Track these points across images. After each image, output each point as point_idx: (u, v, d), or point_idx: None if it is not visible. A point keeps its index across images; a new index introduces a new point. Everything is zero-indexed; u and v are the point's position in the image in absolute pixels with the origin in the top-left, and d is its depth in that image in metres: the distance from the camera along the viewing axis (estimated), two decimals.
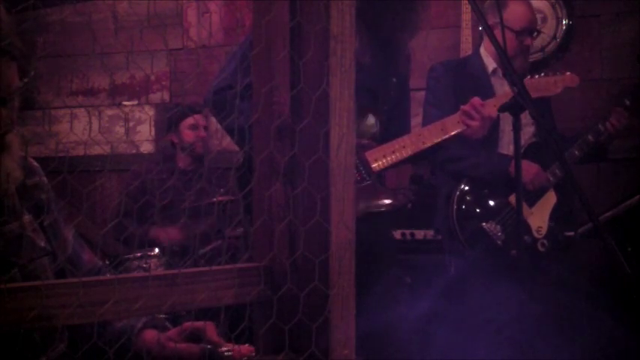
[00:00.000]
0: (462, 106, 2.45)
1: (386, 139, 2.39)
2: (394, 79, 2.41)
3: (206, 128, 3.98)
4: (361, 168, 2.30)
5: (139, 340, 1.43)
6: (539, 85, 2.66)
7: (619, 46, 3.78)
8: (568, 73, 2.79)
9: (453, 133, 2.41)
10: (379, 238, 2.38)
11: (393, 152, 2.32)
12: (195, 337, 1.39)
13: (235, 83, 2.13)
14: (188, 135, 3.93)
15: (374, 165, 2.31)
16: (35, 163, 1.49)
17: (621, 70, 3.76)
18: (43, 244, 1.43)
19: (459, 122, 2.42)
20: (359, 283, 1.04)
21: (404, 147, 2.34)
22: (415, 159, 2.43)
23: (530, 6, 3.07)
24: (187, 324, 1.41)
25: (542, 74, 2.75)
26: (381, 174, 2.41)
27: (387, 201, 2.31)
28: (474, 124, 2.37)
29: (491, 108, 2.40)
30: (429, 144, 2.36)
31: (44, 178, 1.48)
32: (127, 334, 1.43)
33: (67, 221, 1.54)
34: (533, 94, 2.56)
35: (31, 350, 1.36)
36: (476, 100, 2.44)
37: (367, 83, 2.30)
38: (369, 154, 2.30)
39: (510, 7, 2.98)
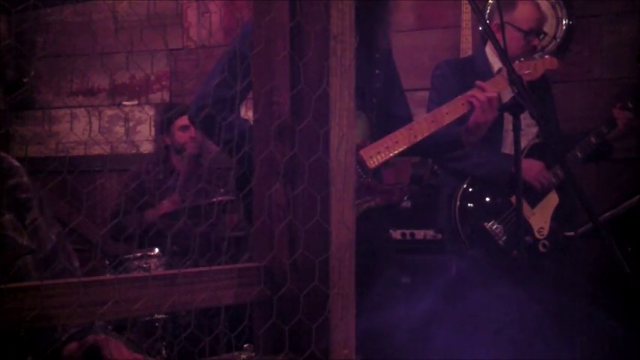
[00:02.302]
0: (469, 92, 2.47)
1: (383, 130, 2.42)
2: (377, 71, 2.43)
3: None
4: (357, 166, 2.31)
5: (63, 352, 1.43)
6: (520, 69, 2.66)
7: (619, 46, 3.78)
8: (547, 56, 2.80)
9: (443, 124, 2.42)
10: (376, 236, 2.38)
11: (387, 148, 2.34)
12: (95, 352, 1.37)
13: (221, 95, 2.14)
14: (180, 136, 3.94)
15: (369, 162, 2.32)
16: (16, 163, 1.49)
17: (621, 70, 3.76)
18: (25, 242, 1.43)
19: (448, 113, 2.43)
20: (356, 282, 1.04)
21: (397, 142, 2.36)
22: (412, 153, 2.46)
23: (538, 7, 3.08)
24: (90, 337, 1.40)
25: (522, 59, 2.76)
26: (378, 171, 2.41)
27: (383, 197, 2.32)
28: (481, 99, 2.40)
29: (490, 89, 2.44)
30: (420, 137, 2.37)
31: (25, 179, 1.48)
32: (54, 345, 1.42)
33: (53, 221, 1.54)
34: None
35: (19, 349, 1.36)
36: (479, 83, 2.49)
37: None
38: (364, 152, 2.32)
39: (519, 8, 2.98)
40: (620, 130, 2.97)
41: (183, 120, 3.93)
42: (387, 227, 2.56)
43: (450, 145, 2.58)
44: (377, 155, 2.33)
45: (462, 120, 2.49)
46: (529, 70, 2.70)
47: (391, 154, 2.36)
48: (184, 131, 3.93)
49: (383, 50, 2.46)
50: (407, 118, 2.56)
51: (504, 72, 2.55)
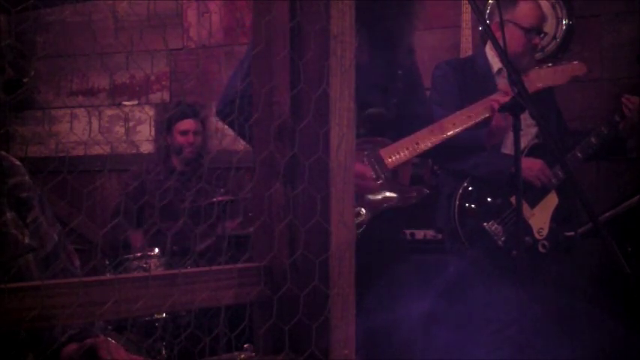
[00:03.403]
0: (492, 97, 2.48)
1: (404, 129, 2.44)
2: (399, 72, 2.43)
3: (197, 133, 3.97)
4: (376, 166, 2.32)
5: (62, 353, 1.44)
6: (545, 75, 2.64)
7: (619, 46, 3.78)
8: (575, 62, 2.76)
9: (465, 127, 2.43)
10: (390, 236, 2.38)
11: (407, 148, 2.36)
12: (93, 354, 1.38)
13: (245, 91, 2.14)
14: (179, 139, 3.95)
15: (388, 161, 2.33)
16: (17, 162, 1.50)
17: (621, 70, 3.76)
18: (27, 240, 1.44)
19: (470, 117, 2.45)
20: (365, 279, 1.04)
21: (417, 143, 2.37)
22: (429, 154, 2.49)
23: (539, 6, 3.08)
24: (89, 340, 1.41)
25: (550, 64, 2.73)
26: (397, 171, 2.42)
27: (401, 198, 2.33)
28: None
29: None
30: (440, 139, 2.39)
31: (26, 178, 1.49)
32: (53, 346, 1.43)
33: (54, 220, 1.54)
34: (540, 85, 2.56)
35: (18, 346, 1.37)
36: (502, 87, 2.50)
37: (374, 79, 2.32)
38: (383, 152, 2.34)
39: (520, 6, 2.98)
40: (630, 117, 2.96)
41: (184, 124, 3.94)
42: (401, 227, 2.56)
43: (472, 147, 2.62)
44: (396, 155, 2.34)
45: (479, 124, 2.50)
46: (555, 75, 2.67)
47: (411, 155, 2.38)
48: (183, 135, 3.94)
49: (406, 50, 2.45)
50: (427, 117, 2.55)
51: (528, 74, 2.56)
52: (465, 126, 2.45)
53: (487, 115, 2.50)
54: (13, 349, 1.35)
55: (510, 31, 2.94)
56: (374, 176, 2.29)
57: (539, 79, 2.59)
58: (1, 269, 1.36)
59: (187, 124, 3.94)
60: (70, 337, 1.46)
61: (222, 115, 2.34)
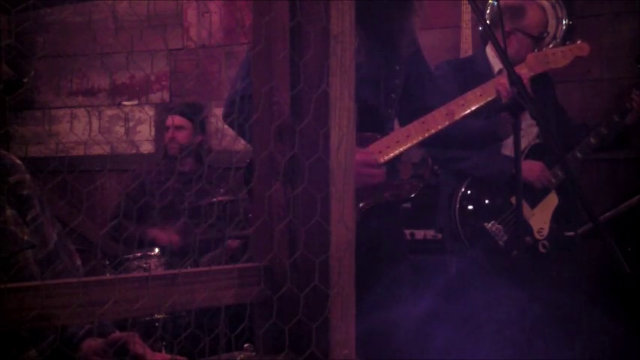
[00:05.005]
0: (494, 80, 2.41)
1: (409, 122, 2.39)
2: (397, 67, 2.39)
3: (180, 129, 3.93)
4: None
5: (79, 349, 1.44)
6: (546, 57, 2.55)
7: (619, 46, 3.78)
8: (579, 42, 2.65)
9: (457, 118, 2.35)
10: (386, 233, 2.34)
11: (397, 142, 2.28)
12: (121, 348, 1.39)
13: (245, 90, 2.12)
14: (165, 136, 3.95)
15: (379, 156, 2.28)
16: (18, 161, 1.50)
17: (621, 70, 3.76)
18: (26, 237, 1.44)
19: (463, 105, 2.36)
20: (364, 278, 1.04)
21: (408, 136, 2.29)
22: (444, 145, 2.45)
23: (544, 10, 3.11)
24: (114, 335, 1.42)
25: (551, 46, 2.67)
26: (394, 166, 2.37)
27: (392, 193, 2.28)
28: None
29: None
30: (433, 131, 2.31)
31: (27, 176, 1.50)
32: (70, 342, 1.44)
33: (53, 220, 1.55)
34: (542, 68, 2.48)
35: (19, 343, 1.37)
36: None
37: (368, 75, 2.28)
38: (373, 147, 2.27)
39: (530, 14, 2.99)
40: (636, 112, 2.95)
41: (167, 121, 3.95)
42: (398, 224, 2.49)
43: (486, 137, 2.51)
44: (386, 150, 2.28)
45: (477, 114, 2.42)
46: (556, 57, 2.59)
47: (402, 149, 2.29)
48: (166, 132, 3.94)
49: (407, 47, 2.40)
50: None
51: (526, 60, 2.51)
52: (459, 115, 2.35)
53: (483, 102, 2.40)
54: (14, 346, 1.36)
55: (520, 40, 2.96)
56: (375, 162, 2.22)
57: (542, 62, 2.51)
58: (0, 266, 1.37)
59: (169, 120, 3.94)
60: (87, 331, 1.47)
61: (226, 118, 2.33)
